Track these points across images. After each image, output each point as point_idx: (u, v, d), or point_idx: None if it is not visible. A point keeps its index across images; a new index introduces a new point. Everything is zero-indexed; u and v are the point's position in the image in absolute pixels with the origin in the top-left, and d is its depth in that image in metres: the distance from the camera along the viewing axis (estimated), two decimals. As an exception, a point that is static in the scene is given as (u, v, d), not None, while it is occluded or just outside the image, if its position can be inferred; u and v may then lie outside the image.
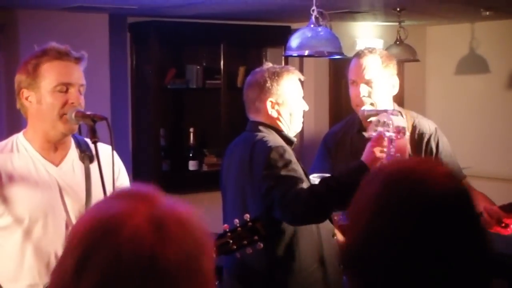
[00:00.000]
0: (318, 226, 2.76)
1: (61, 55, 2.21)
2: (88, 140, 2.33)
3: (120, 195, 1.00)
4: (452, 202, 1.14)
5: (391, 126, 2.59)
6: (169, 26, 5.47)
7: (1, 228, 2.21)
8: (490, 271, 1.16)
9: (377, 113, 2.89)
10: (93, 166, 2.28)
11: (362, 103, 2.92)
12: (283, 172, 2.62)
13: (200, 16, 5.44)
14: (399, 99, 6.60)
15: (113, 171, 2.18)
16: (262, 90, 2.78)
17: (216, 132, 5.67)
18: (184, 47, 5.86)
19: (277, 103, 2.79)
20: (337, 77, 6.07)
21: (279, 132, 2.80)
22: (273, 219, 2.66)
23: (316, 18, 3.41)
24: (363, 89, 2.96)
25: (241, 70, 5.81)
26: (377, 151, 2.57)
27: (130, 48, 5.58)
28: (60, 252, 2.16)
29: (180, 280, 0.92)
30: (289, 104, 2.80)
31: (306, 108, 2.86)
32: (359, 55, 3.02)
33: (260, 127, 2.80)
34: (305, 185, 2.63)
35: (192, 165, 5.60)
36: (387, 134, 2.58)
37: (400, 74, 6.73)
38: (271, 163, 2.63)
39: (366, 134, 2.73)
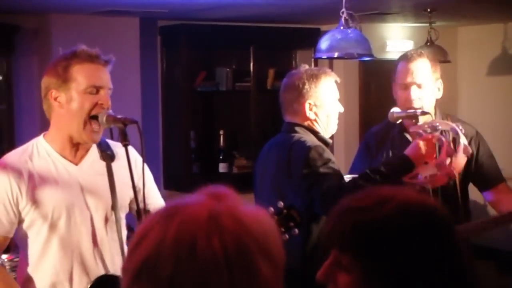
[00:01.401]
0: None
1: (91, 58, 2.25)
2: (109, 141, 2.37)
3: (199, 193, 1.05)
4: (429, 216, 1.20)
5: (450, 139, 2.64)
6: (199, 29, 5.50)
7: (26, 226, 2.25)
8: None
9: (406, 115, 2.88)
10: (115, 165, 2.31)
11: (412, 107, 2.92)
12: (323, 170, 2.63)
13: (230, 19, 5.46)
14: (430, 101, 6.56)
15: (143, 174, 2.20)
16: (301, 92, 2.80)
17: (246, 134, 5.68)
18: (214, 50, 5.88)
19: (315, 105, 2.81)
20: (367, 79, 6.04)
21: (315, 133, 2.82)
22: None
23: (346, 20, 3.41)
24: (414, 92, 2.96)
25: (271, 72, 5.81)
26: (427, 151, 2.61)
27: (160, 51, 5.62)
28: (85, 248, 2.24)
29: (223, 272, 0.93)
30: (326, 106, 2.82)
31: (342, 110, 2.88)
32: (408, 58, 3.02)
33: (297, 128, 2.82)
34: (344, 180, 2.65)
35: (222, 168, 5.62)
36: (443, 139, 2.62)
37: (431, 75, 6.70)
38: (311, 162, 2.65)
39: (413, 128, 2.73)
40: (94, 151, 2.33)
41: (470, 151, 2.69)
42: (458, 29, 6.66)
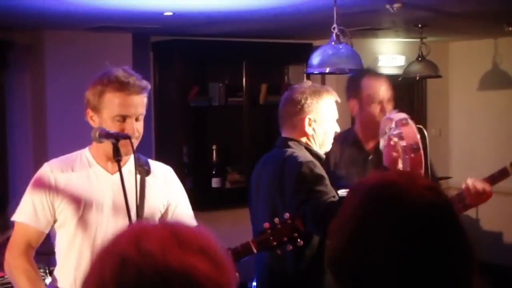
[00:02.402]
0: None
1: (122, 88, 2.35)
2: (152, 161, 2.57)
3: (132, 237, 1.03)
4: (432, 214, 1.16)
5: (393, 125, 2.64)
6: (191, 44, 5.53)
7: (58, 226, 2.42)
8: (474, 283, 1.18)
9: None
10: (150, 180, 2.47)
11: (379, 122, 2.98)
12: (314, 186, 2.65)
13: (222, 34, 5.48)
14: (423, 115, 6.60)
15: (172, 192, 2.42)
16: (302, 107, 2.82)
17: (239, 149, 5.69)
18: (206, 65, 5.90)
19: (315, 121, 2.84)
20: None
21: (309, 149, 2.84)
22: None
23: (337, 35, 3.43)
24: (389, 107, 3.08)
25: (263, 87, 5.83)
26: (393, 153, 2.63)
27: (153, 66, 5.64)
28: None
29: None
30: (325, 123, 2.85)
31: (338, 130, 2.91)
32: (377, 74, 3.09)
33: (290, 143, 2.84)
34: (335, 199, 2.66)
35: (215, 182, 5.62)
36: (394, 132, 2.62)
37: (423, 90, 6.77)
38: (302, 178, 2.68)
39: (381, 145, 2.77)
40: (131, 164, 2.42)
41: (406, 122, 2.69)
42: (449, 44, 6.71)
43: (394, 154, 2.62)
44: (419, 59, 5.43)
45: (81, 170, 2.43)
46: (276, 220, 2.36)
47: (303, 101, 2.82)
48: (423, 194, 1.17)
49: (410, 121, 2.65)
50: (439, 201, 1.19)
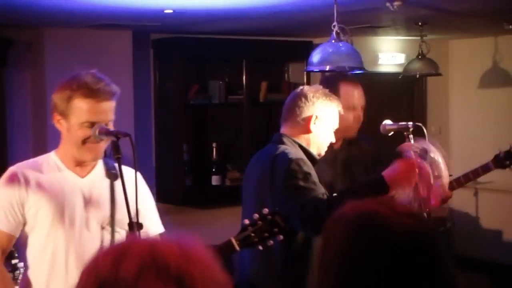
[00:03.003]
0: None
1: (92, 94, 2.31)
2: (114, 163, 2.46)
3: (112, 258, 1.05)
4: (413, 243, 1.18)
5: (436, 164, 2.63)
6: (191, 42, 5.53)
7: (28, 229, 2.37)
8: None
9: (398, 127, 2.91)
10: (118, 183, 2.39)
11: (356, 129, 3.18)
12: (302, 184, 2.66)
13: (222, 32, 5.49)
14: (423, 113, 6.60)
15: (136, 194, 2.24)
16: (312, 104, 2.84)
17: (239, 147, 5.69)
18: (206, 63, 5.90)
19: (321, 120, 2.85)
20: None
21: (303, 147, 2.85)
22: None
23: (337, 33, 3.43)
24: (361, 114, 3.21)
25: (263, 85, 5.83)
26: (405, 177, 2.60)
27: (153, 64, 5.64)
28: (80, 253, 2.33)
29: None
30: (327, 127, 2.88)
31: (333, 140, 2.93)
32: (354, 80, 3.24)
33: (285, 140, 2.86)
34: (323, 197, 2.67)
35: (215, 180, 5.62)
36: (428, 167, 2.60)
37: (423, 88, 6.77)
38: (291, 174, 2.68)
39: (400, 148, 2.75)
40: (100, 168, 2.44)
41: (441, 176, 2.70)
42: (449, 42, 6.71)
43: (408, 178, 2.59)
44: (419, 57, 5.44)
45: (50, 173, 2.39)
46: (256, 216, 2.38)
47: (314, 99, 2.85)
48: (407, 223, 1.19)
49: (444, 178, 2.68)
50: (419, 227, 1.20)
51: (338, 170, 3.20)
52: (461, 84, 6.70)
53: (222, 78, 5.77)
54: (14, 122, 5.03)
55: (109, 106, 2.34)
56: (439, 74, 5.57)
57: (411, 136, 2.82)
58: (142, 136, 5.36)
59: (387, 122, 2.96)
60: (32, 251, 2.38)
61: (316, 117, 2.84)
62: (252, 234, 2.38)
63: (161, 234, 2.51)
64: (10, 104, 4.99)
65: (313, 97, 2.85)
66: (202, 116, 5.86)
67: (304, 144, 2.86)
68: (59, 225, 2.34)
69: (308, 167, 2.73)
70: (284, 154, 2.75)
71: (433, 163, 2.64)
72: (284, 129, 2.91)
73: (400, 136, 2.87)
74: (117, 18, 4.56)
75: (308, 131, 2.85)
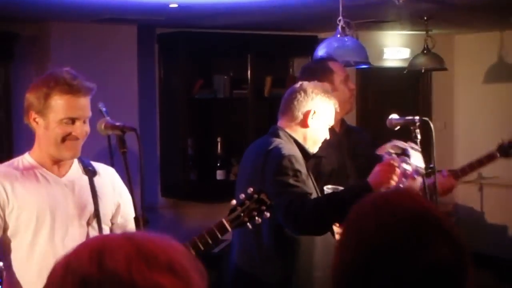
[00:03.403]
0: (320, 239, 2.83)
1: (71, 89, 2.30)
2: (92, 162, 2.49)
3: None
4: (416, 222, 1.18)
5: (409, 161, 2.65)
6: (196, 36, 5.52)
7: (11, 233, 2.32)
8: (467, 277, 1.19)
9: (404, 122, 2.91)
10: (96, 180, 2.42)
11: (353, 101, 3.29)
12: (291, 181, 2.70)
13: (227, 27, 5.48)
14: (428, 108, 6.59)
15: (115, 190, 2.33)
16: (312, 100, 2.86)
17: (244, 141, 5.68)
18: (211, 58, 5.90)
19: (318, 116, 2.87)
20: (364, 87, 6.06)
21: (298, 142, 2.87)
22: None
23: (343, 27, 3.43)
24: (353, 85, 3.31)
25: (268, 80, 5.83)
26: (387, 177, 2.64)
27: (158, 58, 5.64)
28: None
29: None
30: (323, 123, 2.89)
31: (328, 137, 2.94)
32: (333, 59, 3.33)
33: (281, 133, 2.88)
34: (311, 197, 2.72)
35: (219, 175, 5.62)
36: (404, 166, 2.64)
37: (428, 83, 6.75)
38: (282, 170, 2.72)
39: (379, 151, 2.79)
40: (76, 166, 2.44)
41: (420, 173, 2.72)
42: (455, 37, 6.68)
43: (388, 179, 2.63)
44: (425, 51, 5.42)
45: (28, 175, 2.35)
46: (242, 196, 2.43)
47: (314, 94, 2.86)
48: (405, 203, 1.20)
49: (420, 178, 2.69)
50: (420, 208, 1.20)
51: (345, 153, 3.22)
52: (466, 79, 6.68)
53: (227, 72, 5.77)
54: (20, 116, 5.03)
55: (87, 102, 2.34)
56: (445, 69, 5.56)
57: (417, 130, 2.82)
58: (147, 131, 5.36)
59: (394, 116, 2.97)
60: (18, 255, 2.33)
61: (314, 112, 2.85)
62: (242, 214, 2.43)
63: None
64: (16, 98, 4.99)
65: (312, 92, 2.86)
66: (206, 110, 5.85)
67: (299, 139, 2.88)
68: (44, 226, 2.31)
69: (300, 164, 2.76)
70: (278, 149, 2.78)
71: (406, 162, 2.65)
72: (281, 122, 2.93)
73: (406, 130, 2.87)
74: (122, 12, 4.56)
75: (305, 125, 2.87)
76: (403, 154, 2.65)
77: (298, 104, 2.86)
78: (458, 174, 3.42)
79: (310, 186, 2.76)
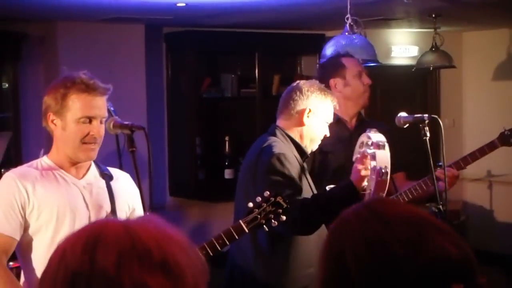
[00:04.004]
0: (313, 236, 2.83)
1: (88, 89, 2.33)
2: (109, 168, 2.51)
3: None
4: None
5: (370, 143, 2.68)
6: (204, 35, 5.52)
7: (32, 232, 2.35)
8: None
9: (414, 120, 2.91)
10: (113, 183, 2.45)
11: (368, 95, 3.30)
12: (280, 179, 2.73)
13: (235, 26, 5.47)
14: (436, 106, 6.56)
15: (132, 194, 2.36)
16: (307, 98, 2.88)
17: (252, 140, 5.61)
18: (219, 57, 5.89)
19: (314, 114, 2.89)
20: (372, 84, 6.02)
21: (295, 141, 2.90)
22: None
23: (351, 25, 3.43)
24: (368, 79, 3.32)
25: (276, 78, 5.82)
26: (362, 170, 2.68)
27: (165, 58, 5.64)
28: None
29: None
30: (320, 121, 2.91)
31: (328, 134, 2.95)
32: (348, 55, 3.35)
33: (277, 132, 2.92)
34: (301, 196, 2.74)
35: (228, 174, 5.62)
36: (368, 151, 2.68)
37: (436, 80, 6.73)
38: (271, 168, 2.75)
39: (353, 158, 2.81)
40: (94, 170, 2.46)
41: (383, 143, 2.73)
42: (463, 34, 6.66)
43: (363, 172, 2.68)
44: (433, 49, 5.39)
45: (47, 176, 2.38)
46: (259, 199, 2.47)
47: (309, 93, 2.88)
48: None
49: (387, 146, 2.70)
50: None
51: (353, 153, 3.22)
52: (475, 76, 6.66)
53: (235, 71, 5.77)
54: (28, 115, 5.05)
55: (103, 102, 2.37)
56: (453, 67, 5.53)
57: (426, 128, 2.81)
58: (155, 130, 5.37)
59: (403, 114, 2.96)
60: (38, 254, 2.35)
61: (310, 110, 2.88)
62: (258, 216, 2.47)
63: None
64: (24, 98, 5.00)
65: (307, 91, 2.89)
66: (214, 109, 5.85)
67: (296, 137, 2.91)
68: (64, 226, 2.33)
69: (290, 163, 2.78)
70: (269, 147, 2.82)
71: (372, 149, 2.68)
72: (279, 122, 2.96)
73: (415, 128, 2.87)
74: (130, 11, 4.56)
75: (301, 123, 2.89)
76: (367, 144, 2.70)
77: (293, 103, 2.90)
78: (460, 164, 3.40)
79: (298, 185, 2.78)
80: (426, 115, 2.89)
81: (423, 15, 5.03)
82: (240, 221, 2.48)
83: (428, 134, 2.83)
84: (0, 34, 4.76)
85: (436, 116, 2.90)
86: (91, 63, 4.78)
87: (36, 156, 2.53)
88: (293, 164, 2.79)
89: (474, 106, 6.70)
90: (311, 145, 2.94)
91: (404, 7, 4.65)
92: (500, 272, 5.87)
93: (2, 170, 4.73)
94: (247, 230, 2.47)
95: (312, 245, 2.85)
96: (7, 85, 4.98)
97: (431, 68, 5.60)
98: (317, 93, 2.89)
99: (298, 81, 2.98)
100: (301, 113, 2.88)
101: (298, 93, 2.89)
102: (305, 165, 2.95)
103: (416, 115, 2.91)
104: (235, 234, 2.45)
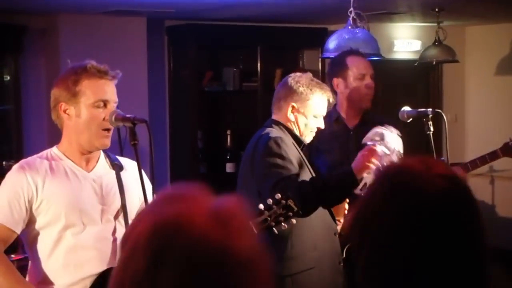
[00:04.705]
0: (318, 221, 2.86)
1: (100, 73, 2.32)
2: (118, 157, 2.49)
3: (170, 199, 1.02)
4: (445, 204, 1.14)
5: (387, 143, 2.68)
6: (206, 29, 5.50)
7: (40, 226, 2.33)
8: (487, 272, 1.16)
9: (417, 114, 2.89)
10: (124, 174, 2.42)
11: (368, 96, 3.30)
12: (278, 162, 2.75)
13: (237, 19, 5.46)
14: (439, 100, 6.55)
15: (143, 184, 2.28)
16: (291, 93, 2.89)
17: (253, 134, 5.66)
18: (221, 50, 5.88)
19: (298, 110, 2.90)
20: (375, 79, 6.01)
21: (291, 131, 2.91)
22: None
23: (354, 19, 3.41)
24: (371, 82, 3.31)
25: (278, 72, 5.80)
26: (367, 161, 2.68)
27: (167, 51, 5.63)
28: (96, 250, 2.31)
29: (251, 272, 0.95)
30: (308, 117, 2.91)
31: (322, 126, 2.95)
32: (356, 53, 3.32)
33: (274, 124, 2.93)
34: (296, 179, 2.75)
35: (229, 167, 5.61)
36: (381, 148, 2.68)
37: (439, 75, 6.71)
38: (268, 151, 2.77)
39: (363, 141, 2.81)
40: (103, 161, 2.44)
41: (396, 152, 2.74)
42: (466, 29, 6.63)
43: (368, 163, 2.67)
44: (436, 43, 5.37)
45: (57, 170, 2.35)
46: (270, 201, 2.44)
47: (295, 88, 2.89)
48: (434, 182, 1.14)
49: (395, 153, 2.70)
50: (454, 190, 1.16)
51: (353, 149, 3.22)
52: (477, 71, 6.64)
53: (237, 65, 5.75)
54: (29, 108, 5.04)
55: (114, 87, 2.36)
56: (456, 61, 5.51)
57: (430, 122, 2.80)
58: (157, 123, 5.35)
59: (406, 108, 2.96)
60: (45, 248, 2.33)
61: (293, 106, 2.89)
62: (268, 218, 2.43)
63: None
64: (25, 91, 5.00)
65: (293, 86, 2.90)
66: (216, 103, 5.84)
67: (291, 128, 2.93)
68: (72, 221, 2.31)
69: (288, 147, 2.80)
70: (266, 134, 2.85)
71: (386, 146, 2.68)
72: (274, 115, 2.99)
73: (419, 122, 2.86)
74: (131, 4, 4.54)
75: (291, 117, 2.91)
76: (382, 139, 2.69)
77: (280, 99, 2.92)
78: (468, 167, 3.41)
79: (296, 168, 2.79)
80: (430, 109, 2.88)
81: (426, 9, 5.01)
82: (250, 222, 2.45)
83: (431, 129, 2.82)
84: (2, 27, 4.75)
85: (440, 111, 2.90)
86: (92, 56, 4.74)
87: (38, 149, 2.51)
88: (290, 148, 2.81)
89: (477, 101, 6.69)
90: (307, 136, 2.96)
91: (408, 1, 4.63)
92: (502, 267, 5.86)
93: (4, 163, 4.73)
94: (256, 232, 2.44)
95: (316, 229, 2.87)
96: (8, 77, 4.97)
97: (434, 62, 5.58)
98: (303, 88, 2.88)
99: (290, 75, 2.98)
100: (286, 108, 2.91)
101: (286, 88, 2.91)
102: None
103: (419, 110, 2.90)
104: None
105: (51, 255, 2.33)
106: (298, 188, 2.68)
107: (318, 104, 2.90)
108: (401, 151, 2.70)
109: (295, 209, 2.45)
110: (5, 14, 4.74)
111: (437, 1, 4.67)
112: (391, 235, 1.13)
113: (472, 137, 6.64)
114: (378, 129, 2.76)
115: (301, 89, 2.88)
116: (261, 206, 2.45)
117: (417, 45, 6.23)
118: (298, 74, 2.97)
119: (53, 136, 2.45)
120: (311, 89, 2.89)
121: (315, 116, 2.91)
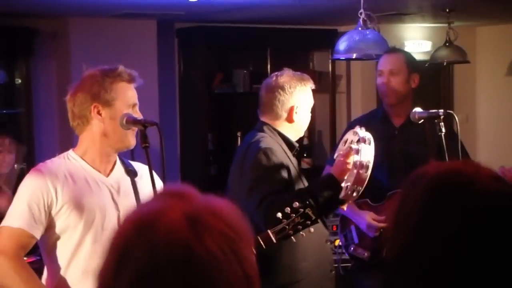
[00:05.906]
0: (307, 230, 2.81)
1: (130, 77, 2.39)
2: (132, 162, 2.51)
3: (157, 196, 1.05)
4: (502, 204, 1.12)
5: (356, 140, 2.69)
6: (216, 31, 5.50)
7: (60, 231, 2.32)
8: None
9: (429, 115, 2.88)
10: (138, 181, 2.44)
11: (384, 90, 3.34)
12: (266, 175, 2.71)
13: (247, 21, 5.46)
14: (450, 101, 6.52)
15: (154, 187, 2.30)
16: (292, 94, 2.85)
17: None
18: (230, 52, 5.88)
19: (299, 110, 2.87)
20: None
21: (282, 135, 2.87)
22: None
23: (364, 20, 3.40)
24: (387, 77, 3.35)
25: (288, 74, 5.79)
26: (345, 163, 2.67)
27: (177, 53, 5.63)
28: None
29: (219, 270, 0.93)
30: (308, 112, 2.90)
31: (308, 119, 2.94)
32: (389, 49, 3.41)
33: (265, 128, 2.89)
34: (283, 194, 2.69)
35: (239, 169, 5.61)
36: (353, 146, 2.67)
37: (450, 76, 6.68)
38: (257, 163, 2.73)
39: (335, 154, 2.80)
40: (119, 166, 2.45)
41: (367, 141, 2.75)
42: (477, 29, 6.61)
43: (346, 165, 2.67)
44: (447, 44, 5.35)
45: (76, 175, 2.35)
46: (288, 209, 2.45)
47: (292, 89, 2.85)
48: (491, 183, 1.13)
49: (372, 142, 2.70)
50: (505, 190, 1.14)
51: (395, 150, 3.21)
52: (488, 71, 6.61)
53: (247, 67, 5.75)
54: (40, 111, 5.06)
55: None
56: (467, 62, 5.49)
57: (442, 123, 2.78)
58: (167, 126, 5.36)
59: (418, 109, 2.95)
60: (64, 253, 2.33)
61: (297, 106, 2.86)
62: (287, 227, 2.45)
63: None
64: (36, 94, 5.02)
65: (290, 87, 2.86)
66: (226, 105, 5.84)
67: (284, 132, 2.89)
68: (92, 226, 2.31)
69: (277, 157, 2.76)
70: (257, 143, 2.80)
71: (357, 153, 2.68)
72: (264, 118, 2.93)
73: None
74: (141, 7, 4.55)
75: (291, 121, 2.87)
76: (359, 141, 2.70)
77: (279, 103, 2.86)
78: None
79: (285, 180, 2.74)
80: (442, 110, 2.86)
81: (437, 10, 5.00)
82: (268, 231, 2.46)
83: (443, 130, 2.80)
84: (13, 30, 4.77)
85: (451, 112, 2.88)
86: (103, 59, 4.77)
87: (49, 152, 2.52)
88: (280, 159, 2.77)
89: (488, 101, 6.65)
90: (298, 136, 2.94)
91: (418, 1, 4.62)
92: None
93: (15, 166, 4.75)
94: (275, 241, 2.46)
95: (306, 238, 2.80)
96: (19, 80, 4.99)
97: (445, 63, 5.56)
98: (298, 87, 2.86)
99: (273, 77, 2.93)
100: (289, 111, 2.86)
101: (281, 92, 2.85)
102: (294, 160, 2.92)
103: (431, 111, 2.89)
104: (262, 243, 2.43)
105: (71, 262, 2.32)
106: (284, 206, 2.59)
107: (310, 96, 2.90)
108: (372, 140, 2.70)
109: (313, 217, 2.46)
110: (17, 17, 4.77)
111: (447, 1, 4.66)
112: (455, 244, 1.10)
113: (483, 138, 6.61)
114: (346, 135, 2.79)
115: (297, 87, 2.85)
116: (279, 215, 2.46)
117: (427, 46, 6.21)
118: (279, 77, 2.90)
119: (64, 139, 2.47)
120: (304, 85, 2.87)
121: (307, 109, 2.90)
